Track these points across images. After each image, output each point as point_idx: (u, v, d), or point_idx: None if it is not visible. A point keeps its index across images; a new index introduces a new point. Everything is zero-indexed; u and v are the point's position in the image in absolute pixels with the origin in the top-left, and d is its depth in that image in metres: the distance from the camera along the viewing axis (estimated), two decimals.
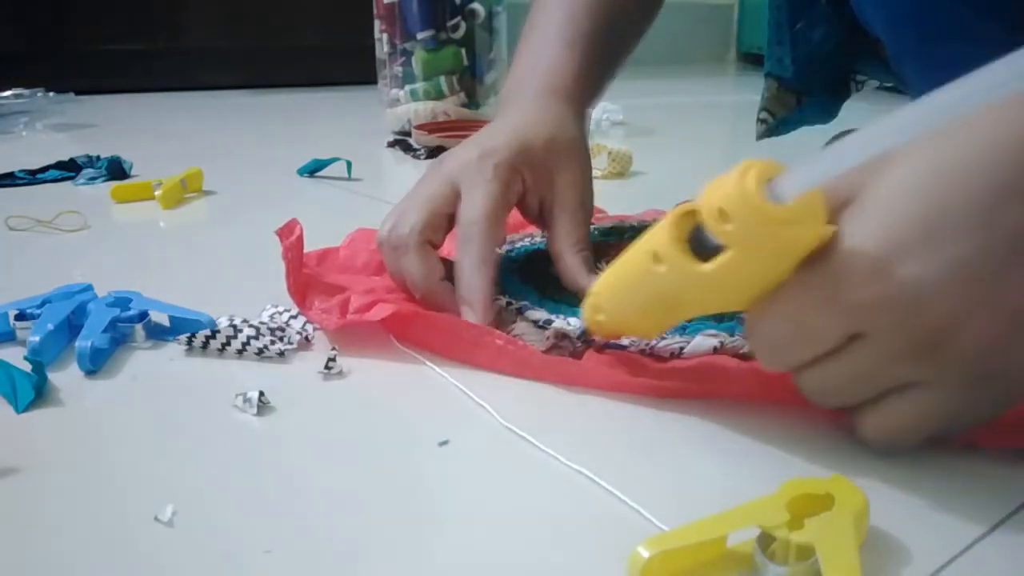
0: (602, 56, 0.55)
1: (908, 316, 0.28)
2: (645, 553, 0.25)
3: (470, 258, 0.43)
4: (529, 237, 0.54)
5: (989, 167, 0.28)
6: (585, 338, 0.41)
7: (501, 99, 0.55)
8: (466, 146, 0.48)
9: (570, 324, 0.41)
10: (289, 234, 0.47)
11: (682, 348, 0.39)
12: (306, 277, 0.47)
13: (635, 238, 0.55)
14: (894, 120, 0.23)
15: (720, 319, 0.41)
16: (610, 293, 0.36)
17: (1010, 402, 0.30)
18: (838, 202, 0.30)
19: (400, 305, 0.44)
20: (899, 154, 0.29)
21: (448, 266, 0.45)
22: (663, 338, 0.40)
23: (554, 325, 0.42)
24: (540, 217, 0.48)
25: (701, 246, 0.30)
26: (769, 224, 0.27)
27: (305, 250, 0.48)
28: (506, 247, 0.54)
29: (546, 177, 0.47)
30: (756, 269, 0.29)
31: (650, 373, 0.38)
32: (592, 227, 0.57)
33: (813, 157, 0.26)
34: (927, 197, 0.28)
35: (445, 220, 0.45)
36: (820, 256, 0.29)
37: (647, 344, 0.40)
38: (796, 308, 0.30)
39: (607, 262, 0.50)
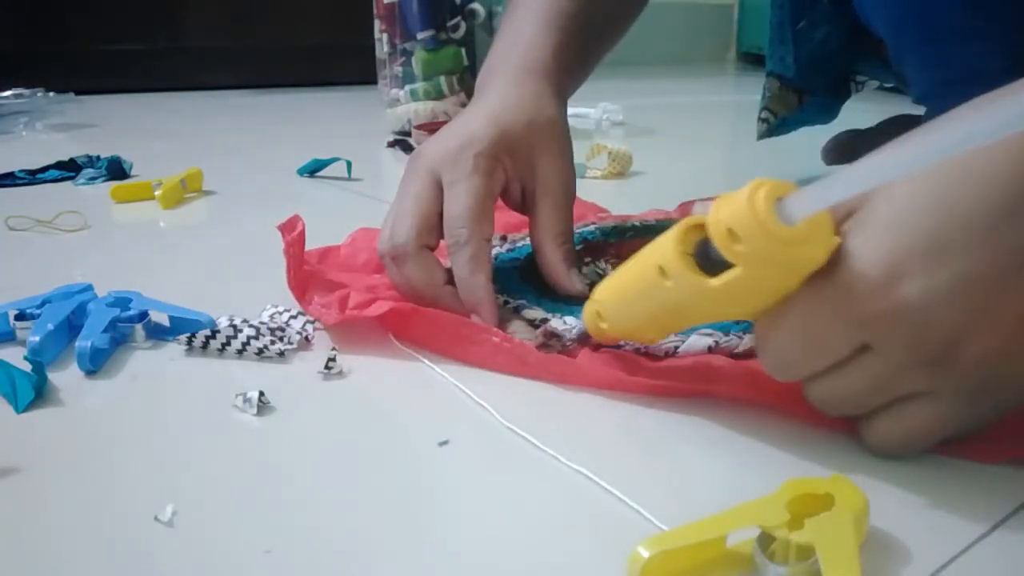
0: (583, 36, 0.54)
1: (916, 328, 0.28)
2: (645, 553, 0.25)
3: (463, 259, 0.43)
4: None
5: (993, 182, 0.28)
6: (582, 339, 0.41)
7: (480, 78, 0.53)
8: (445, 134, 0.47)
9: (566, 323, 0.42)
10: (291, 229, 0.47)
11: (676, 347, 0.39)
12: (307, 273, 0.47)
13: (636, 237, 0.55)
14: (910, 148, 0.23)
15: None
16: (614, 302, 0.36)
17: (1008, 409, 0.31)
18: (842, 212, 0.30)
19: (398, 302, 0.44)
20: None
21: (450, 269, 0.45)
22: None
23: (547, 324, 0.42)
24: (523, 205, 0.48)
25: (707, 258, 0.30)
26: (778, 245, 0.27)
27: (305, 247, 0.48)
28: (507, 246, 0.54)
29: (527, 163, 0.46)
30: (764, 285, 0.30)
31: (645, 372, 0.38)
32: (594, 226, 0.57)
33: (824, 178, 0.26)
34: (933, 211, 0.28)
35: (437, 219, 0.45)
36: (828, 269, 0.29)
37: (642, 343, 0.40)
38: (805, 322, 0.30)
39: (606, 261, 0.50)
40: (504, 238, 0.56)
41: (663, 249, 0.31)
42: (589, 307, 0.38)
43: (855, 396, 0.31)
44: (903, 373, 0.29)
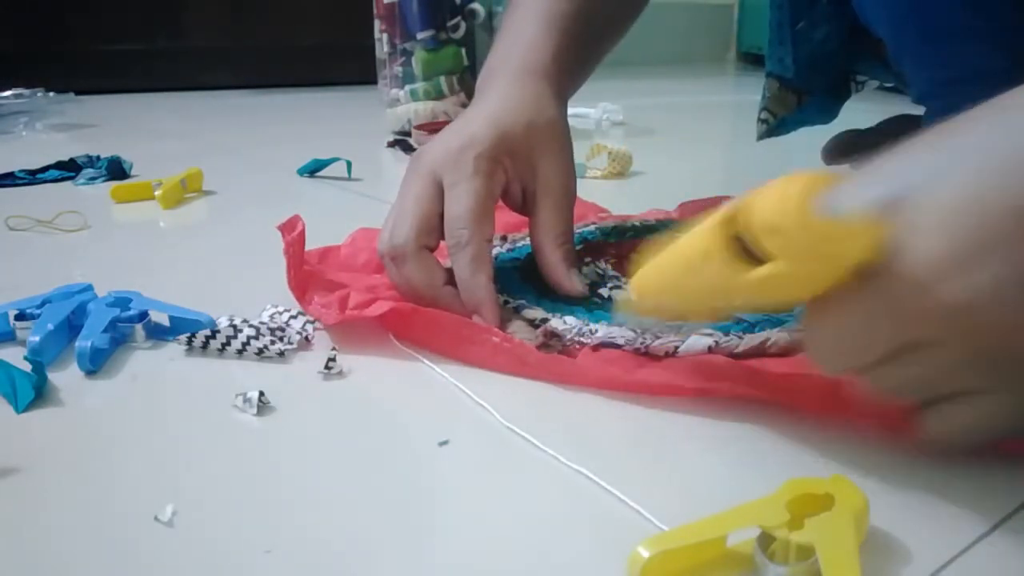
0: (582, 37, 0.54)
1: (971, 325, 0.28)
2: (645, 553, 0.25)
3: (465, 260, 0.43)
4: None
5: None
6: (601, 345, 0.41)
7: (480, 79, 0.54)
8: (445, 136, 0.47)
9: (566, 323, 0.42)
10: (291, 229, 0.47)
11: (677, 347, 0.39)
12: (307, 273, 0.47)
13: (636, 238, 0.55)
14: (946, 144, 0.23)
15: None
16: (656, 277, 0.34)
17: None
18: (888, 203, 0.29)
19: (399, 302, 0.44)
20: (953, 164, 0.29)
21: (449, 269, 0.45)
22: (657, 337, 0.40)
23: (548, 324, 0.42)
24: (523, 206, 0.48)
25: (749, 250, 0.29)
26: (818, 240, 0.27)
27: (305, 248, 0.48)
28: (507, 246, 0.54)
29: (528, 164, 0.47)
30: (805, 278, 0.29)
31: (645, 372, 0.38)
32: (594, 226, 0.57)
33: (863, 171, 0.26)
34: (989, 203, 0.28)
35: (437, 220, 0.45)
36: (880, 264, 0.28)
37: (642, 343, 0.40)
38: (856, 317, 0.29)
39: (606, 261, 0.50)
40: (504, 238, 0.56)
41: (707, 236, 0.30)
42: (633, 279, 0.36)
43: (907, 389, 0.31)
44: (957, 370, 0.29)
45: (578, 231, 0.54)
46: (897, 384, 0.31)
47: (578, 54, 0.54)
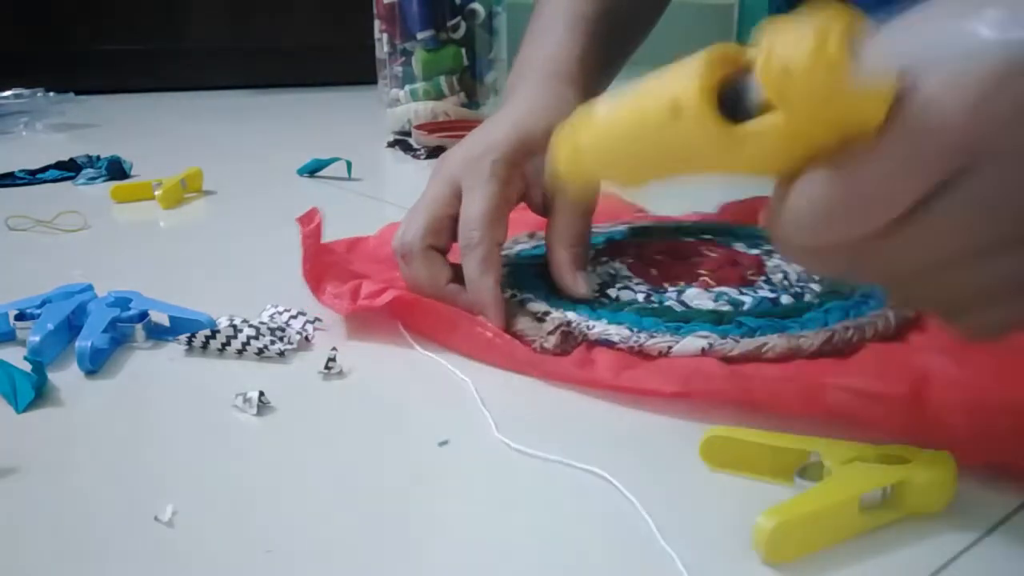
0: (608, 38, 0.54)
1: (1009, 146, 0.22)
2: (769, 524, 0.24)
3: (474, 262, 0.44)
4: None
5: None
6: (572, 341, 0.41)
7: (507, 86, 0.54)
8: (468, 141, 0.48)
9: (567, 317, 0.42)
10: (309, 222, 0.48)
11: (670, 347, 0.39)
12: (322, 265, 0.48)
13: (664, 239, 0.53)
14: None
15: (719, 321, 0.41)
16: (602, 134, 0.29)
17: None
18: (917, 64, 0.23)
19: (406, 292, 0.45)
20: None
21: (457, 269, 0.45)
22: (652, 336, 0.40)
23: (551, 316, 0.43)
24: (544, 208, 0.48)
25: (734, 103, 0.24)
26: (845, 96, 0.22)
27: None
28: (532, 243, 0.54)
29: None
30: (801, 141, 0.24)
31: (635, 373, 0.38)
32: (625, 226, 0.56)
33: (906, 27, 0.22)
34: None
35: (448, 222, 0.45)
36: (907, 117, 0.23)
37: (636, 342, 0.40)
38: (873, 171, 0.23)
39: (622, 261, 0.49)
40: (532, 235, 0.55)
41: (681, 83, 0.25)
42: (565, 134, 0.31)
43: (927, 276, 0.25)
44: (997, 208, 0.23)
45: (607, 231, 0.54)
46: (913, 261, 0.25)
47: (604, 56, 0.54)
